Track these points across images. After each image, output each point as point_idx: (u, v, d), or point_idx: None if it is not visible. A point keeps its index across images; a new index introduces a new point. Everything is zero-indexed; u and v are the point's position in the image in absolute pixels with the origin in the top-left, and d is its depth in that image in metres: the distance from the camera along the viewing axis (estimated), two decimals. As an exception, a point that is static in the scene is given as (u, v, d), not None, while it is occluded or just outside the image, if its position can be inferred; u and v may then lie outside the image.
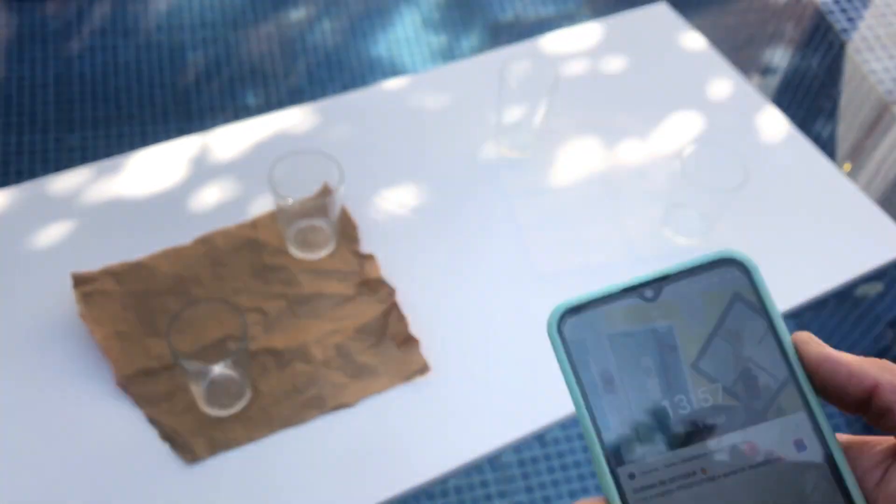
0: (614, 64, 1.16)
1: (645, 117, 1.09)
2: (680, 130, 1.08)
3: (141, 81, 1.92)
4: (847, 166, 1.36)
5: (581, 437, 1.30)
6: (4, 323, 0.83)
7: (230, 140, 1.01)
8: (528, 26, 1.91)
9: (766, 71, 1.64)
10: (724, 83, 1.15)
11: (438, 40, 1.98)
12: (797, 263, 0.95)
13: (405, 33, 1.99)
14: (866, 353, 1.05)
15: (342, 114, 1.06)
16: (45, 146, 1.80)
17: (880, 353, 1.42)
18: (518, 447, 1.35)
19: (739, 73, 1.16)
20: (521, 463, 1.35)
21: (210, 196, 0.96)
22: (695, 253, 0.95)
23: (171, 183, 0.96)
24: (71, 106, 1.87)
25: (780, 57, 1.60)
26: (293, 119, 1.04)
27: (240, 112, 1.88)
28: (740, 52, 1.72)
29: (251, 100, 1.90)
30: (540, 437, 0.77)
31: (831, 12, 1.46)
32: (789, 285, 0.93)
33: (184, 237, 0.91)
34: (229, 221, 0.93)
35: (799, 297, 0.93)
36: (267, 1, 2.07)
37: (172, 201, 0.95)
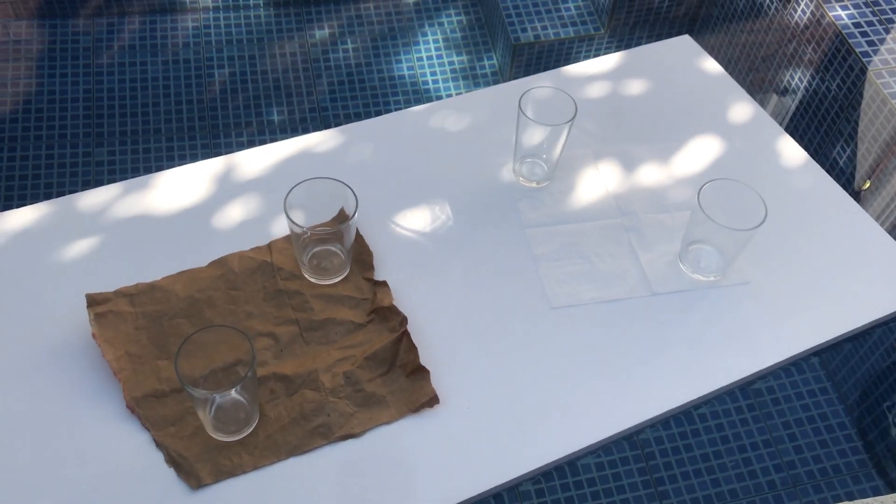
0: (635, 95, 1.15)
1: (664, 148, 1.08)
2: (699, 162, 1.07)
3: (168, 97, 1.95)
4: (867, 184, 1.34)
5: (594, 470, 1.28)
6: (19, 337, 0.84)
7: (254, 161, 1.02)
8: (549, 47, 1.92)
9: (784, 92, 1.62)
10: (744, 114, 1.14)
11: (460, 60, 1.99)
12: (816, 303, 0.94)
13: (427, 52, 2.00)
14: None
15: (363, 138, 1.06)
16: (74, 159, 1.83)
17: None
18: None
19: (759, 104, 1.15)
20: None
21: (230, 217, 0.96)
22: (712, 290, 0.94)
23: (193, 203, 0.97)
24: (100, 120, 1.90)
25: (799, 79, 1.58)
26: (315, 141, 1.05)
27: (263, 128, 1.90)
28: (757, 73, 1.71)
29: (275, 116, 1.92)
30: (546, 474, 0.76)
31: (852, 35, 1.45)
32: (808, 325, 0.91)
33: (202, 257, 0.91)
34: (248, 242, 0.93)
35: (816, 339, 0.91)
36: (291, 20, 2.10)
37: (192, 221, 0.95)
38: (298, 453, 0.78)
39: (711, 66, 1.20)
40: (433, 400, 0.82)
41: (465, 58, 2.00)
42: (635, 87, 1.16)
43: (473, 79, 1.96)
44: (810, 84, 1.58)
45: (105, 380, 0.81)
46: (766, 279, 0.95)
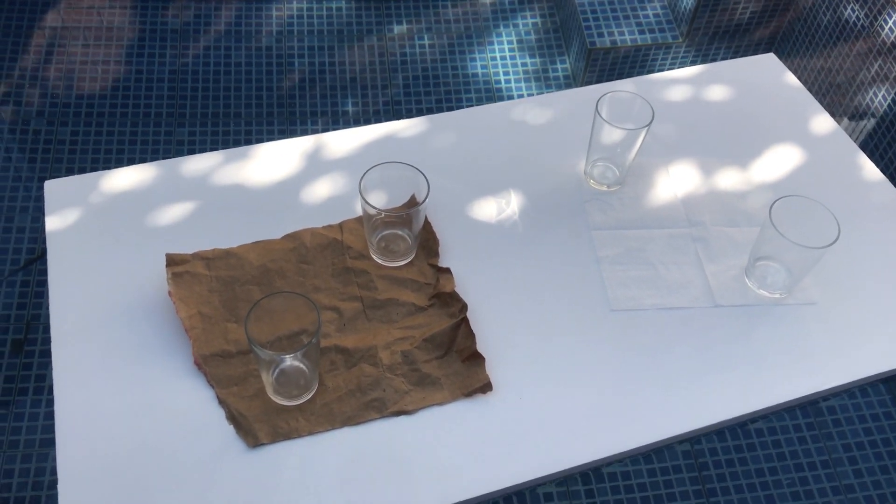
0: (714, 107, 1.15)
1: (738, 162, 1.07)
2: (773, 178, 1.06)
3: (249, 83, 2.02)
4: None
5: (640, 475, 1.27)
6: (103, 289, 0.88)
7: (339, 143, 1.06)
8: (624, 53, 1.91)
9: (865, 111, 1.59)
10: (823, 132, 1.12)
11: (533, 62, 2.00)
12: (884, 330, 0.92)
13: (501, 53, 2.02)
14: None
15: (443, 129, 1.09)
16: (157, 137, 1.92)
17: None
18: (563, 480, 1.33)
19: (840, 125, 1.13)
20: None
21: (308, 194, 1.00)
22: (777, 308, 0.93)
23: (275, 178, 1.01)
24: (183, 101, 1.98)
25: (882, 98, 1.54)
26: (397, 129, 1.08)
27: (338, 118, 1.95)
28: (838, 89, 1.67)
29: (349, 107, 1.97)
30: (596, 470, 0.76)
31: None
32: (875, 351, 0.90)
33: (277, 230, 0.95)
34: (323, 220, 0.97)
35: (882, 366, 0.89)
36: (371, 15, 2.15)
37: (272, 195, 0.99)
38: (352, 424, 0.81)
39: (794, 84, 1.19)
40: (486, 387, 0.83)
41: (538, 60, 2.01)
42: (715, 99, 1.16)
43: (545, 81, 1.97)
44: (894, 104, 1.53)
45: (177, 336, 0.85)
46: (833, 301, 0.94)
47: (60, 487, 0.75)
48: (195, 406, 0.81)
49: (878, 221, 1.02)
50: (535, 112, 1.12)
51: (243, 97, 1.99)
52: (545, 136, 1.09)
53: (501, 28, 2.09)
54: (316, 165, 1.03)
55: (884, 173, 1.08)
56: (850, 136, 1.13)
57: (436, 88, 1.98)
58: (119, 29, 2.10)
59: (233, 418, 0.80)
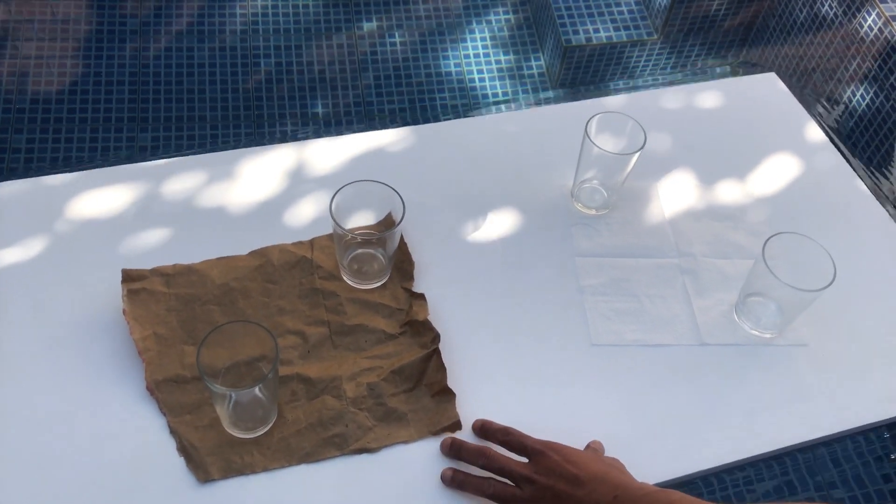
0: (711, 130, 1.10)
1: (733, 191, 1.03)
2: (769, 210, 1.01)
3: (214, 84, 1.94)
4: None
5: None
6: (51, 304, 0.83)
7: (310, 154, 1.00)
8: (600, 50, 1.86)
9: (843, 109, 1.54)
10: (824, 164, 1.07)
11: (507, 59, 1.95)
12: (880, 375, 0.87)
13: (475, 50, 1.97)
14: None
15: (422, 142, 1.04)
16: (118, 143, 1.83)
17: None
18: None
19: (842, 154, 1.08)
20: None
21: (277, 208, 0.95)
22: (766, 349, 0.88)
23: (243, 189, 0.96)
24: (145, 105, 1.90)
25: (861, 96, 1.50)
26: (376, 141, 1.03)
27: (308, 119, 1.89)
28: (815, 87, 1.62)
29: (319, 108, 1.90)
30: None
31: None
32: (872, 397, 0.85)
33: (242, 246, 0.90)
34: (292, 236, 0.91)
35: (879, 414, 0.84)
36: (340, 12, 2.08)
37: (239, 208, 0.94)
38: (311, 461, 0.76)
39: (795, 109, 1.14)
40: (455, 425, 0.78)
41: (511, 57, 1.95)
42: (711, 118, 1.11)
43: (520, 79, 1.91)
44: (873, 102, 1.49)
45: (129, 358, 0.80)
46: (825, 342, 0.89)
47: (-7, 520, 0.70)
48: (146, 433, 0.76)
49: (874, 260, 0.98)
50: (521, 127, 1.07)
51: (208, 99, 1.91)
52: (532, 153, 1.04)
53: (474, 24, 2.03)
54: (290, 177, 0.98)
55: (861, 175, 1.03)
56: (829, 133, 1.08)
57: (408, 87, 1.91)
58: (75, 23, 2.00)
59: (184, 450, 0.75)
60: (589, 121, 0.92)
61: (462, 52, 1.96)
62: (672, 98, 1.13)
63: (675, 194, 1.02)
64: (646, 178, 1.03)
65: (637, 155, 0.91)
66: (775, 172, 1.06)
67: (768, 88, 1.17)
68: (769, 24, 1.82)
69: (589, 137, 0.91)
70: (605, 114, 0.93)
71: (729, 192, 1.03)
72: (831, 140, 1.10)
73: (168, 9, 2.07)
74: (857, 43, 1.50)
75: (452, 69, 1.93)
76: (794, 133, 1.11)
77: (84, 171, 0.95)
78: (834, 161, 1.08)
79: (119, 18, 2.04)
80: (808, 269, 0.83)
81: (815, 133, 1.11)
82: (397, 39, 2.01)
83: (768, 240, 0.84)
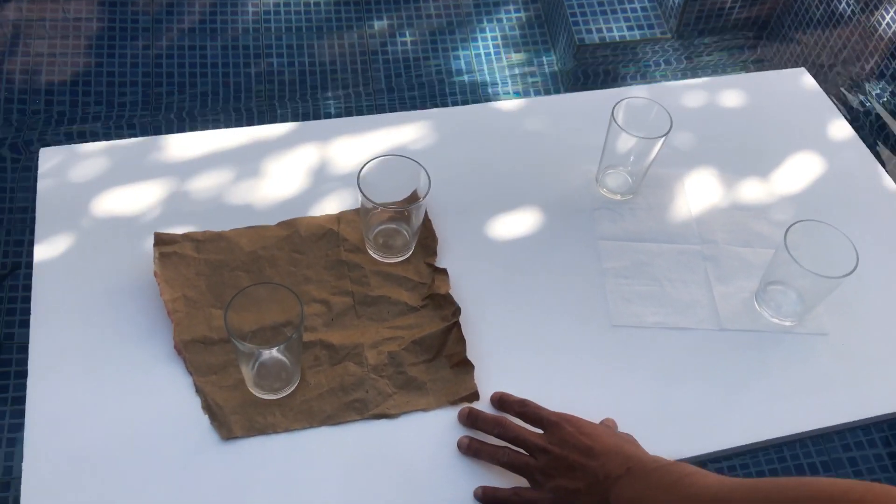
0: (737, 121, 1.10)
1: (757, 180, 1.03)
2: (793, 199, 1.01)
3: (227, 83, 1.95)
4: None
5: None
6: (87, 266, 0.86)
7: (344, 131, 1.02)
8: (613, 49, 1.84)
9: (860, 107, 1.52)
10: (849, 157, 1.07)
11: (518, 58, 1.94)
12: (898, 369, 0.87)
13: (486, 49, 1.96)
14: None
15: (451, 125, 1.05)
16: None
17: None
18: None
19: (867, 147, 1.08)
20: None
21: (310, 182, 0.97)
22: (786, 336, 0.88)
23: (276, 164, 0.98)
24: (158, 106, 1.91)
25: (878, 94, 1.48)
26: (404, 121, 1.05)
27: (320, 118, 1.89)
28: (831, 86, 1.60)
29: (332, 108, 1.91)
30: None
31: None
32: (890, 389, 0.85)
33: (271, 218, 0.92)
34: (320, 209, 0.93)
35: None
36: (351, 10, 2.08)
37: (271, 181, 0.96)
38: (331, 423, 0.77)
39: (824, 103, 1.14)
40: (473, 396, 0.80)
41: (523, 56, 1.94)
42: (738, 111, 1.11)
43: (532, 78, 1.91)
44: (890, 100, 1.47)
45: (159, 319, 0.82)
46: (845, 332, 0.89)
47: (25, 466, 0.72)
48: (172, 392, 0.78)
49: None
50: (548, 113, 1.08)
51: (221, 98, 1.91)
52: (557, 139, 1.05)
53: (485, 22, 2.02)
54: (319, 152, 1.00)
55: (882, 168, 1.03)
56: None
57: (419, 86, 1.92)
58: (87, 21, 2.01)
59: (208, 408, 0.77)
60: (616, 105, 0.93)
61: (473, 51, 1.96)
62: (697, 92, 1.14)
63: (699, 182, 1.02)
64: (671, 166, 1.03)
65: (663, 140, 0.92)
66: (800, 164, 1.06)
67: (797, 83, 1.17)
68: (784, 21, 1.81)
69: (616, 122, 0.92)
70: (631, 99, 0.94)
71: (754, 184, 1.03)
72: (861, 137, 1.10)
73: (180, 6, 2.08)
74: (876, 40, 1.49)
75: (463, 67, 1.93)
76: (822, 128, 1.11)
77: (121, 141, 0.98)
78: (858, 155, 1.08)
79: (131, 16, 2.05)
80: (830, 257, 0.83)
81: (843, 128, 1.11)
82: (408, 38, 2.01)
83: (791, 227, 0.84)
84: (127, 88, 1.92)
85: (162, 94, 1.93)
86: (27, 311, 0.81)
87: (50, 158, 0.95)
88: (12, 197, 1.67)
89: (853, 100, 1.56)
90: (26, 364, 0.77)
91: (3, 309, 1.49)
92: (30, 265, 0.84)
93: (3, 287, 1.54)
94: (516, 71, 1.91)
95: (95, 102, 1.90)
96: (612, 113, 0.92)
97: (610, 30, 1.85)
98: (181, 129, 1.83)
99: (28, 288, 0.83)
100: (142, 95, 1.92)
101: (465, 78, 1.91)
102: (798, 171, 1.05)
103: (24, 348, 0.80)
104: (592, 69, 1.89)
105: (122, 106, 1.89)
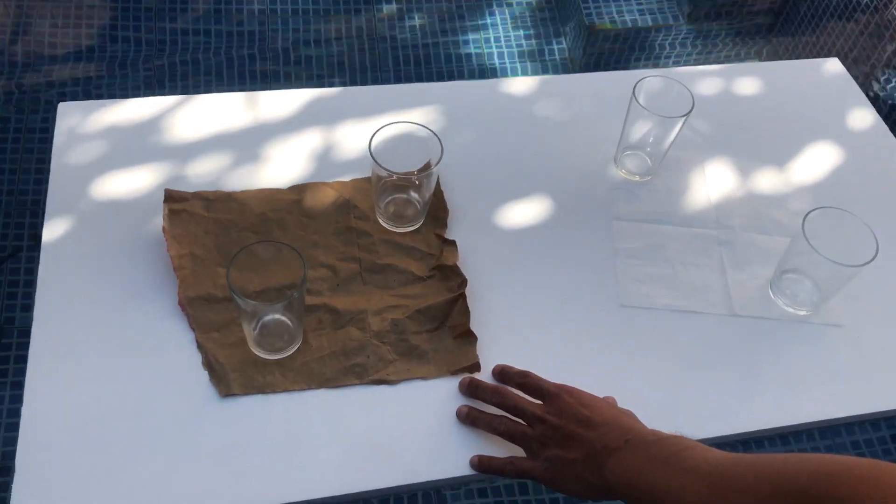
0: (761, 108, 1.08)
1: (778, 167, 1.01)
2: (813, 187, 0.99)
3: (231, 68, 1.94)
4: None
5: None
6: (98, 219, 0.86)
7: (360, 98, 1.02)
8: (625, 34, 1.81)
9: (875, 97, 1.48)
10: (876, 147, 1.04)
11: (528, 43, 1.91)
12: (914, 365, 0.85)
13: (496, 34, 1.93)
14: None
15: (466, 97, 1.04)
16: None
17: None
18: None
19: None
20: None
21: (323, 148, 0.96)
22: (800, 326, 0.86)
23: (289, 129, 0.98)
24: (161, 85, 1.89)
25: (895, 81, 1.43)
26: (422, 91, 1.04)
27: None
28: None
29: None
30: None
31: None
32: (898, 386, 0.83)
33: (283, 181, 0.92)
34: (331, 175, 0.93)
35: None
36: None
37: (283, 146, 0.96)
38: (330, 386, 0.77)
39: (855, 93, 1.11)
40: (475, 367, 0.79)
41: (533, 41, 1.91)
42: (764, 99, 1.09)
43: (542, 62, 1.88)
44: None
45: (164, 274, 0.82)
46: (861, 324, 0.87)
47: (23, 421, 0.72)
48: (174, 346, 0.78)
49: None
50: (567, 92, 1.07)
51: (226, 82, 1.90)
52: (575, 118, 1.04)
53: (494, 6, 1.99)
54: (332, 118, 1.00)
55: None
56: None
57: (427, 70, 1.89)
58: (88, 7, 1.99)
59: (208, 364, 0.77)
60: (637, 84, 0.91)
61: (482, 35, 1.93)
62: (725, 74, 1.12)
63: (719, 167, 1.00)
64: (690, 150, 1.01)
65: (684, 120, 0.90)
66: (821, 152, 1.03)
67: (824, 72, 1.14)
68: (800, 9, 1.76)
69: (636, 100, 0.90)
70: (652, 77, 0.92)
71: (773, 172, 1.01)
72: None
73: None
74: (893, 29, 1.45)
75: (472, 52, 1.90)
76: (846, 118, 1.08)
77: (146, 98, 0.98)
78: (886, 145, 1.05)
79: (134, 2, 2.04)
80: (848, 246, 0.81)
81: (866, 118, 1.08)
82: (416, 22, 1.99)
83: (809, 213, 0.82)
84: (128, 70, 1.92)
85: (165, 78, 1.92)
86: (28, 296, 0.81)
87: (67, 113, 0.95)
88: (11, 179, 1.67)
89: (868, 88, 1.52)
90: (26, 349, 0.77)
91: (4, 293, 1.50)
92: (31, 248, 0.84)
93: (3, 270, 1.55)
94: (526, 57, 1.89)
95: (97, 86, 1.91)
96: (634, 91, 0.91)
97: (621, 14, 1.82)
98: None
99: (30, 272, 0.84)
100: (144, 79, 1.92)
101: (475, 63, 1.89)
102: (818, 160, 1.03)
103: (24, 332, 0.80)
104: (604, 55, 1.86)
105: (125, 90, 1.89)
